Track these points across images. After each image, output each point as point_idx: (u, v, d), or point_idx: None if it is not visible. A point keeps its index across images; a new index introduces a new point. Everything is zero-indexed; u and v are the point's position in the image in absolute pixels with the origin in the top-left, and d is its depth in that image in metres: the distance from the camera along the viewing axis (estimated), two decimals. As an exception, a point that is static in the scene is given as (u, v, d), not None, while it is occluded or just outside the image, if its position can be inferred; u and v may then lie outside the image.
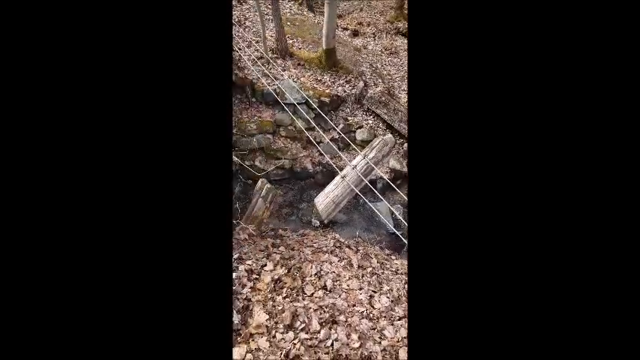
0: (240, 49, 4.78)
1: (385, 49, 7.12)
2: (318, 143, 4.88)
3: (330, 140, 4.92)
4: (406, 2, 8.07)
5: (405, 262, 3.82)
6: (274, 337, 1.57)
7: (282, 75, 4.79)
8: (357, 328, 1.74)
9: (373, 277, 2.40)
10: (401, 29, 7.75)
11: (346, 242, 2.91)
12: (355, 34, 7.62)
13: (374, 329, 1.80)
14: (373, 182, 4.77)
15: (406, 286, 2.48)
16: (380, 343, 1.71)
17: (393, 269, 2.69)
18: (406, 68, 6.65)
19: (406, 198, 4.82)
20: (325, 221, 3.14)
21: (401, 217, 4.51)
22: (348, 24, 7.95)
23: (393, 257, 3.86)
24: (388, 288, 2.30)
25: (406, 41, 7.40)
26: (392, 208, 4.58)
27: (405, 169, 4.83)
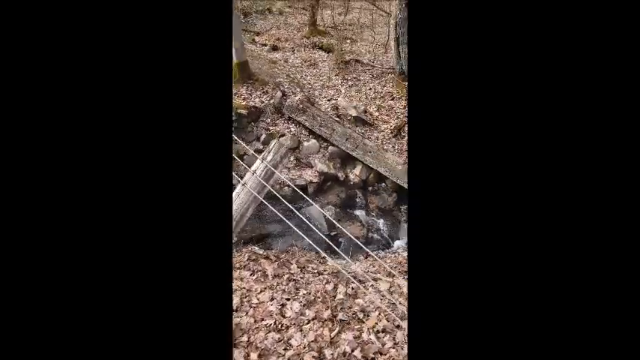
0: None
1: (305, 61, 7.36)
2: (242, 156, 4.72)
3: (255, 152, 4.80)
4: (317, 19, 8.52)
5: (335, 263, 3.80)
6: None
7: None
8: (259, 345, 1.60)
9: (290, 284, 2.29)
10: (317, 43, 8.14)
11: (264, 253, 2.77)
12: (275, 48, 7.76)
13: (280, 341, 1.67)
14: (304, 187, 4.74)
15: (326, 286, 2.41)
16: (284, 355, 1.59)
17: (316, 271, 2.61)
18: (325, 77, 6.92)
19: (336, 199, 4.82)
20: (235, 237, 2.93)
21: (334, 217, 4.53)
22: (266, 40, 8.07)
23: (321, 260, 3.82)
24: (305, 292, 2.21)
25: (323, 53, 7.77)
26: (322, 211, 4.58)
27: (332, 171, 4.92)
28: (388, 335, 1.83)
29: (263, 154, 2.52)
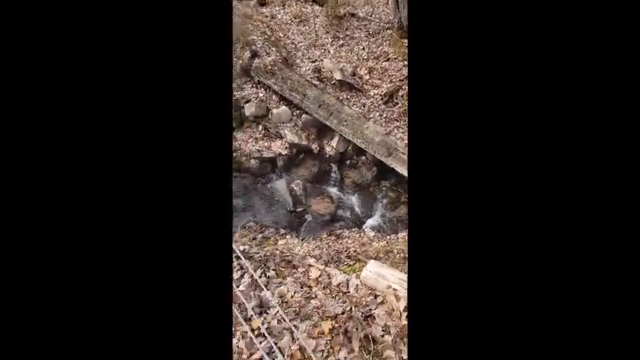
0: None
1: (295, 17, 6.60)
2: (207, 125, 4.41)
3: (220, 120, 4.46)
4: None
5: (293, 240, 3.53)
6: None
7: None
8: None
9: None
10: (310, -4, 7.22)
11: None
12: (262, 3, 7.01)
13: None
14: (273, 160, 4.40)
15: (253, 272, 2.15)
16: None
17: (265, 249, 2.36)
18: (314, 35, 6.20)
19: (307, 173, 4.46)
20: None
21: (302, 193, 4.21)
22: (254, -7, 7.30)
23: (279, 236, 3.56)
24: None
25: (317, 8, 6.92)
26: (292, 185, 4.25)
27: (305, 142, 4.48)
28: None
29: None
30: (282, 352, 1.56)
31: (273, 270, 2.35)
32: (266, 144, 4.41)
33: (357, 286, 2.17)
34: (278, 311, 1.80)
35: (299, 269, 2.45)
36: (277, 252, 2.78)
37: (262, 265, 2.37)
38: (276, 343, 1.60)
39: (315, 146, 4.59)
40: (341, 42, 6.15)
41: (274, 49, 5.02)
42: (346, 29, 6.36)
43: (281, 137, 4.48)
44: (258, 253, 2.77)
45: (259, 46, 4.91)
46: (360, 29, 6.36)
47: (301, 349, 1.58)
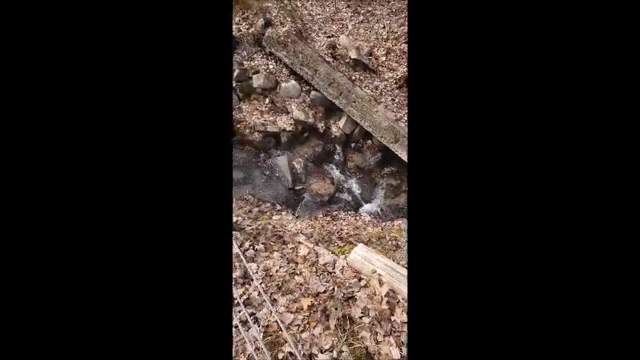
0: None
1: (316, -13, 6.25)
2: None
3: (227, 89, 4.36)
4: None
5: (288, 217, 3.54)
6: None
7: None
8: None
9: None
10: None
11: None
12: (283, -32, 6.64)
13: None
14: (276, 135, 4.33)
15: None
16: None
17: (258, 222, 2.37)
18: (334, 8, 5.90)
19: (310, 152, 4.40)
20: None
21: (302, 171, 4.18)
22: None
23: (276, 211, 3.57)
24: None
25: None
26: (294, 163, 4.21)
27: (311, 120, 4.38)
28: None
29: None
30: (258, 323, 1.59)
31: (262, 244, 2.36)
32: (271, 118, 4.32)
33: (343, 267, 2.17)
34: (260, 283, 1.82)
35: (288, 245, 2.47)
36: (270, 226, 2.79)
37: (252, 239, 2.39)
38: (253, 314, 1.62)
39: (321, 125, 4.49)
40: (361, 18, 5.85)
41: (289, 19, 4.79)
42: (368, 4, 6.03)
43: (287, 112, 4.39)
44: (250, 226, 2.79)
45: (274, 14, 4.69)
46: (383, 5, 6.02)
47: (277, 321, 1.60)
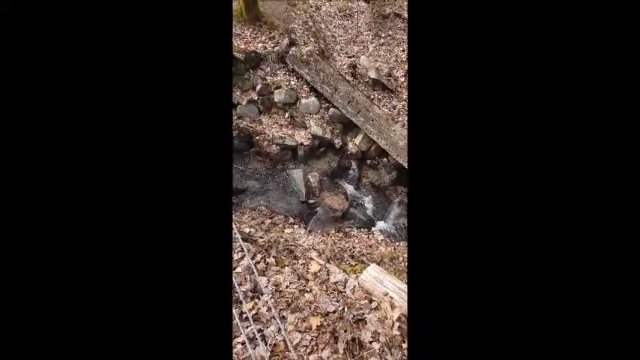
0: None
1: (340, 11, 6.50)
2: (236, 105, 4.46)
3: (249, 102, 4.50)
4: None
5: (300, 231, 3.53)
6: None
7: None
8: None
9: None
10: (361, -10, 7.07)
11: None
12: (309, -8, 6.97)
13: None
14: (294, 148, 4.40)
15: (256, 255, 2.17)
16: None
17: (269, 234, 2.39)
18: (356, 31, 6.08)
19: (326, 167, 4.42)
20: None
21: (316, 185, 4.19)
22: (302, -20, 7.27)
23: (288, 224, 3.56)
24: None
25: (363, 4, 6.78)
26: (309, 176, 4.24)
27: (328, 136, 4.43)
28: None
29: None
30: (265, 341, 1.56)
31: (273, 257, 2.35)
32: (290, 132, 4.41)
33: (354, 287, 2.12)
34: (270, 298, 1.80)
35: (299, 261, 2.44)
36: (282, 240, 2.78)
37: (264, 251, 2.38)
38: (261, 330, 1.59)
39: (337, 141, 4.53)
40: (382, 41, 5.99)
41: (313, 39, 4.97)
42: (389, 29, 6.18)
43: (305, 127, 4.47)
44: (262, 238, 2.79)
45: (299, 34, 4.89)
46: (404, 31, 6.15)
47: (285, 340, 1.57)
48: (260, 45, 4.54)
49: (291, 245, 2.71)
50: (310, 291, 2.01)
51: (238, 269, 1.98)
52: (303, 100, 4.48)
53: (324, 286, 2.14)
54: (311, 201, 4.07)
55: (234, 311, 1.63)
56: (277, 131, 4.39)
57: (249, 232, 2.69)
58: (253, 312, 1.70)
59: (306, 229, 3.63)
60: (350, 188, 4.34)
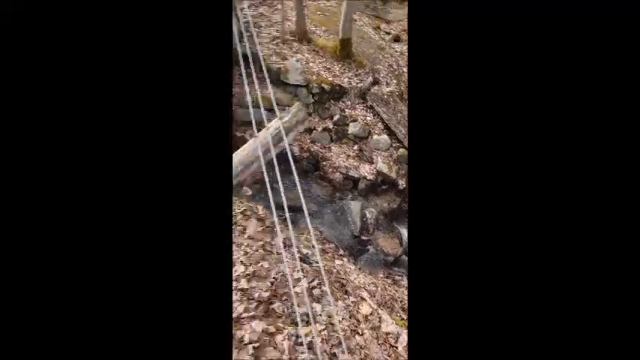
0: (258, 28, 4.95)
1: (424, 57, 6.67)
2: (312, 130, 4.74)
3: (323, 130, 4.74)
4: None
5: (350, 266, 3.43)
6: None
7: (291, 56, 4.80)
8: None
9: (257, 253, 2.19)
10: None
11: (260, 213, 2.71)
12: (397, 39, 7.35)
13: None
14: (356, 180, 4.44)
15: (300, 280, 2.19)
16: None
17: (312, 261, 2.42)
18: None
19: (385, 205, 4.35)
20: (238, 188, 2.84)
21: (372, 222, 4.11)
22: (392, 29, 7.72)
23: (337, 255, 3.49)
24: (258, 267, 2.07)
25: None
26: (365, 211, 4.19)
27: (393, 175, 4.38)
28: None
29: (282, 113, 2.39)
30: (317, 374, 1.50)
31: (329, 287, 2.31)
32: (355, 164, 4.49)
33: (406, 344, 1.95)
34: (324, 330, 1.75)
35: (350, 297, 2.36)
36: (334, 270, 2.74)
37: (319, 278, 2.36)
38: (313, 361, 1.54)
39: (402, 182, 4.45)
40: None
41: (395, 81, 5.15)
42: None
43: (372, 162, 4.51)
44: (317, 263, 2.79)
45: (382, 75, 5.12)
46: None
47: (336, 381, 1.48)
48: (346, 80, 4.85)
49: (342, 278, 2.65)
50: (362, 334, 1.91)
51: (297, 289, 1.99)
52: (375, 136, 4.57)
53: (376, 334, 2.01)
54: (364, 237, 3.98)
55: (293, 331, 1.61)
56: (344, 161, 4.50)
57: (307, 253, 2.71)
58: (309, 339, 1.67)
59: (355, 265, 3.53)
60: (406, 234, 4.15)
